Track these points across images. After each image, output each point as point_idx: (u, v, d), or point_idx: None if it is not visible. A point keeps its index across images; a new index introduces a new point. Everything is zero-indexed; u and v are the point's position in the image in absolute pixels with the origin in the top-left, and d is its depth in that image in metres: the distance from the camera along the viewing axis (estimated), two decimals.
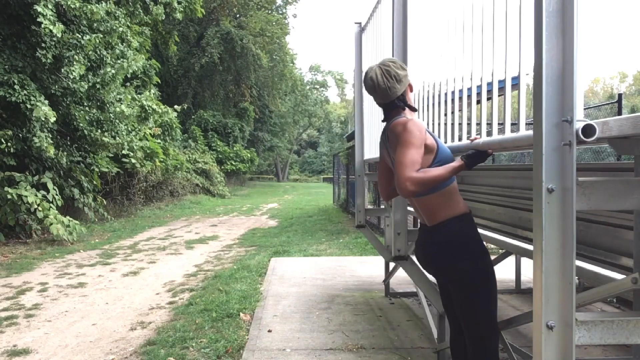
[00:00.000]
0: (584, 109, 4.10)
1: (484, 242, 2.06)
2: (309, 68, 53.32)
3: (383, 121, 2.23)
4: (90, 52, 8.89)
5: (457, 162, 1.97)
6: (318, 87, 52.25)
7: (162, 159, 14.58)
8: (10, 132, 8.04)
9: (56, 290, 5.40)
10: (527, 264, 4.98)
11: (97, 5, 8.59)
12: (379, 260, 5.92)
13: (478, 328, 1.95)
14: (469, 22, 2.35)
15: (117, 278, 5.98)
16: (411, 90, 2.17)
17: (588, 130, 1.36)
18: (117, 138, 10.74)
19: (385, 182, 2.31)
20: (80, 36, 8.61)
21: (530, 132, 1.51)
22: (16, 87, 7.92)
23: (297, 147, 58.60)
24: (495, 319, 1.97)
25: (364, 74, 2.17)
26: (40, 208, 8.10)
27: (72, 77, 8.75)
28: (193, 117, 25.63)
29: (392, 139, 2.03)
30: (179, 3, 12.32)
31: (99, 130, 10.39)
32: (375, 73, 2.09)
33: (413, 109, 2.15)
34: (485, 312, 1.95)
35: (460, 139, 2.51)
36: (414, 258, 2.74)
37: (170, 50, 18.34)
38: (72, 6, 8.07)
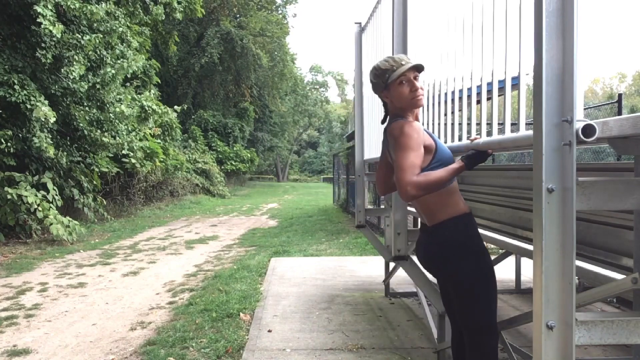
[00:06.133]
0: (584, 109, 4.10)
1: (484, 242, 2.05)
2: (309, 68, 53.38)
3: (382, 123, 2.17)
4: (90, 52, 8.89)
5: (457, 163, 1.96)
6: (318, 87, 52.28)
7: (162, 159, 14.58)
8: (10, 132, 8.03)
9: (56, 290, 5.40)
10: (527, 264, 4.98)
11: (97, 5, 8.59)
12: (379, 260, 5.92)
13: (477, 328, 1.94)
14: (469, 22, 2.35)
15: (117, 278, 5.98)
16: (386, 97, 2.07)
17: (588, 130, 1.36)
18: (117, 138, 10.75)
19: (383, 177, 2.28)
20: (80, 36, 8.61)
21: (530, 132, 1.51)
22: (16, 87, 7.92)
23: (297, 147, 58.61)
24: (495, 320, 1.95)
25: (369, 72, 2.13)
26: (40, 208, 8.09)
27: (72, 77, 8.75)
28: (193, 117, 25.63)
29: (391, 141, 1.99)
30: (179, 3, 12.32)
31: (99, 130, 10.39)
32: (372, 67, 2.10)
33: (396, 114, 2.05)
34: (485, 312, 1.94)
35: (460, 139, 2.51)
36: (414, 258, 2.74)
37: (170, 50, 18.34)
38: (72, 6, 8.07)
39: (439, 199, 1.97)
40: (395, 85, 1.98)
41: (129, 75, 10.18)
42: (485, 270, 1.95)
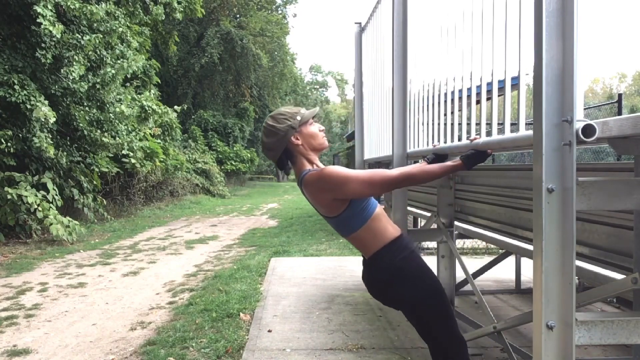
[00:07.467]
0: (584, 109, 4.10)
1: (425, 261, 2.00)
2: (309, 68, 53.45)
3: (283, 170, 2.06)
4: (90, 52, 8.88)
5: (454, 161, 1.96)
6: (318, 87, 52.34)
7: (162, 159, 14.57)
8: (10, 132, 8.03)
9: (56, 290, 5.40)
10: (527, 264, 4.98)
11: (97, 5, 8.60)
12: None
13: (439, 344, 1.94)
14: (469, 22, 2.35)
15: (117, 278, 5.98)
16: (297, 139, 1.96)
17: (588, 130, 1.37)
18: (117, 138, 10.74)
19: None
20: (80, 36, 8.61)
21: (530, 132, 1.51)
22: (16, 87, 7.92)
23: None
24: (455, 331, 1.94)
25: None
26: (40, 208, 8.09)
27: (72, 77, 8.75)
28: (193, 117, 25.63)
29: (319, 192, 1.89)
30: (179, 3, 12.33)
31: (99, 131, 10.39)
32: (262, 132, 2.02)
33: (305, 161, 1.98)
34: (443, 328, 1.92)
35: (460, 139, 2.52)
36: None
37: (170, 50, 18.35)
38: (72, 7, 8.07)
39: (366, 233, 1.94)
40: (307, 125, 2.00)
41: (129, 75, 10.17)
42: (428, 288, 1.92)
